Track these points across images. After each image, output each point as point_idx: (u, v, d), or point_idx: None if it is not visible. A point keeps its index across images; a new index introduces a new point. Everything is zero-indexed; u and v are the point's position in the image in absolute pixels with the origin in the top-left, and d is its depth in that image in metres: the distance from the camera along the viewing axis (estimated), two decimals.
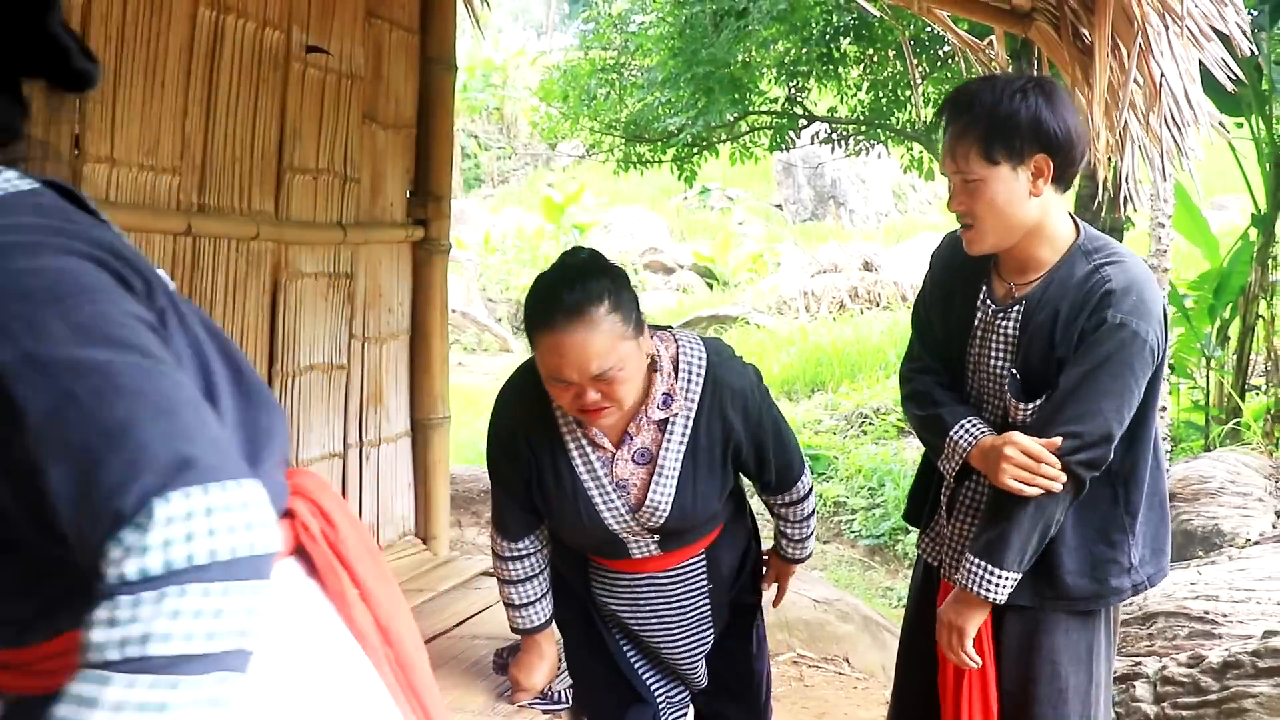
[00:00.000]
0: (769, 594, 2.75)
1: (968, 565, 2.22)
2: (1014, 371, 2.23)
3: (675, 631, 2.51)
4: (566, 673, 2.74)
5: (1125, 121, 3.20)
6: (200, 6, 3.10)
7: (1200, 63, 3.11)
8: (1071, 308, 2.14)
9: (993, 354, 2.28)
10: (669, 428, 2.29)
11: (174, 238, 3.08)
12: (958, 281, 2.39)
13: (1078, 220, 2.31)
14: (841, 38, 8.92)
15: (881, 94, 9.41)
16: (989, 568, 2.19)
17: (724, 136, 9.89)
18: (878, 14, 5.73)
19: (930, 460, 2.47)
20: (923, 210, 20.01)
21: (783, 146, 10.07)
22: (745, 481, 2.59)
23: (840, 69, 9.25)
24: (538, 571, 2.50)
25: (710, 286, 16.54)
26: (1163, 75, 2.91)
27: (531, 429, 2.33)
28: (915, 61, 9.35)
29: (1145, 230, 10.77)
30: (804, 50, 8.91)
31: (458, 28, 4.25)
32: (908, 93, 9.42)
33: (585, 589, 2.54)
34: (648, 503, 2.30)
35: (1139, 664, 3.73)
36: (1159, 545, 2.33)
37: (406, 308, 4.11)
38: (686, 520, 2.35)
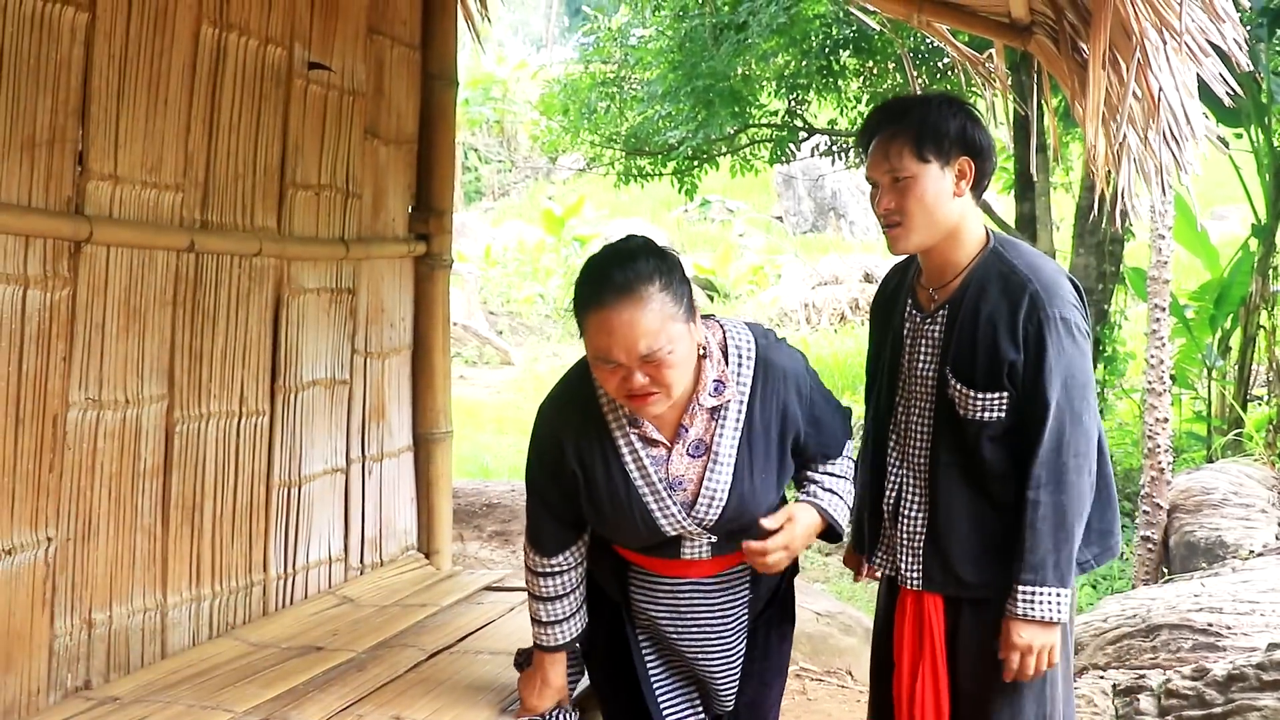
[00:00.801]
0: (770, 523, 2.35)
1: (1025, 593, 2.28)
2: (946, 372, 2.39)
3: (714, 641, 2.45)
4: (573, 701, 2.71)
5: (1124, 135, 3.21)
6: (203, 24, 3.11)
7: (1199, 76, 3.12)
8: (1008, 311, 2.32)
9: (921, 358, 2.46)
10: (722, 415, 2.26)
11: (177, 254, 3.09)
12: (891, 304, 2.62)
13: (988, 228, 2.48)
14: (841, 50, 8.95)
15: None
16: (1054, 591, 2.29)
17: (724, 149, 9.91)
18: (877, 27, 5.74)
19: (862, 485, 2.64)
20: None
21: (783, 159, 10.10)
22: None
23: (840, 81, 9.27)
24: (570, 590, 2.46)
25: (711, 298, 16.56)
26: (1160, 90, 2.92)
27: (580, 434, 2.29)
28: (915, 74, 9.37)
29: (1145, 241, 10.80)
30: (804, 63, 8.94)
31: (458, 42, 4.25)
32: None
33: (623, 595, 2.49)
34: (702, 494, 2.26)
35: (1143, 676, 3.73)
36: (1105, 526, 2.47)
37: (409, 323, 4.12)
38: (744, 512, 2.28)
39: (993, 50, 4.30)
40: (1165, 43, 2.78)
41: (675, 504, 2.27)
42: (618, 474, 2.27)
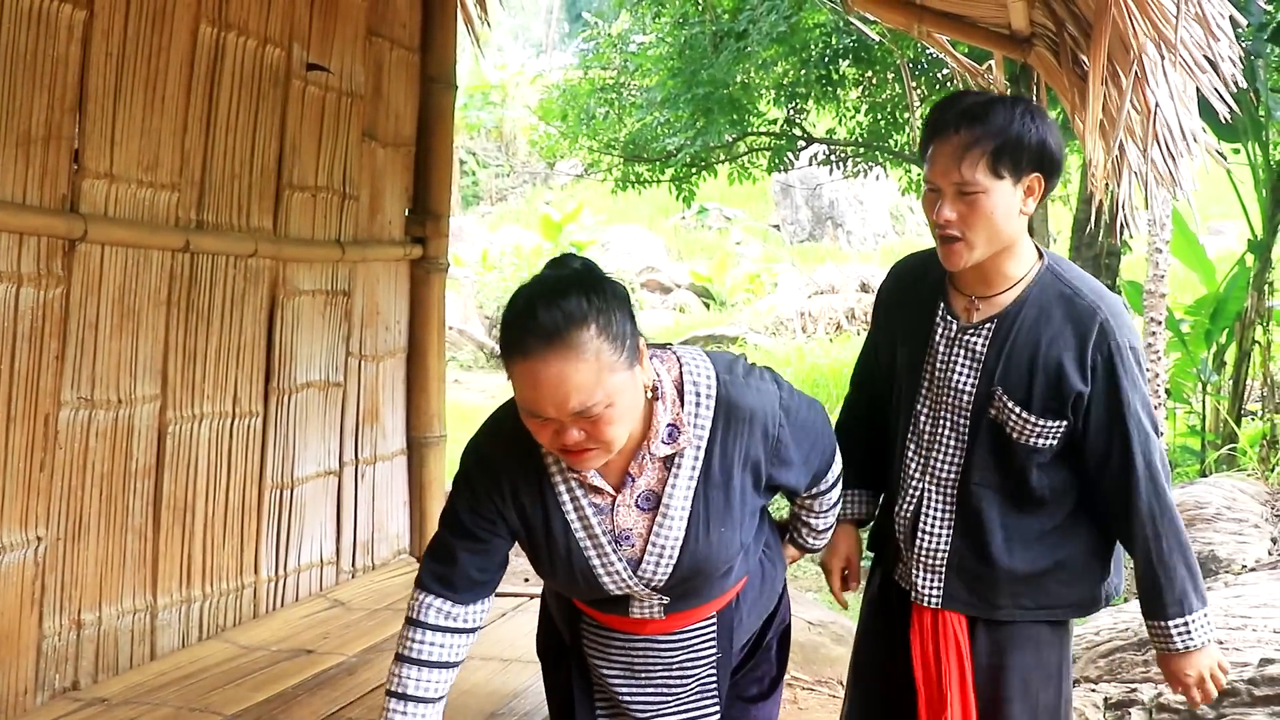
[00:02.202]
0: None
1: (1178, 627, 2.23)
2: (995, 391, 2.24)
3: (674, 707, 2.14)
4: None
5: (1121, 148, 3.21)
6: (201, 23, 3.11)
7: (1198, 91, 3.12)
8: (1076, 340, 2.19)
9: (958, 371, 2.30)
10: (676, 465, 1.94)
11: (172, 254, 3.08)
12: (914, 302, 2.41)
13: (1034, 242, 2.34)
14: (840, 60, 8.95)
15: (880, 116, 9.45)
16: (1202, 613, 2.23)
17: (722, 157, 9.91)
18: (877, 38, 5.74)
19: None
20: (920, 232, 20.04)
21: (781, 167, 10.09)
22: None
23: (839, 91, 9.28)
24: (453, 660, 2.00)
25: (707, 306, 16.55)
26: (1157, 104, 2.91)
27: (518, 475, 1.95)
28: (914, 85, 9.38)
29: (1142, 255, 10.80)
30: (803, 72, 8.95)
31: (458, 46, 4.25)
32: (906, 115, 9.44)
33: (575, 645, 2.18)
34: (649, 551, 1.95)
35: (1134, 690, 3.71)
36: (1118, 556, 2.41)
37: (404, 326, 4.11)
38: (699, 571, 1.98)
39: (992, 61, 4.30)
40: (1163, 56, 2.78)
41: (620, 560, 1.95)
42: (557, 522, 1.95)
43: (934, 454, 2.33)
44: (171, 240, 3.06)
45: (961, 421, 2.30)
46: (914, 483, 2.35)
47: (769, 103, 9.78)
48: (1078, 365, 2.17)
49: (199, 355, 3.20)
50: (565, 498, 1.94)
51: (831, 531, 2.34)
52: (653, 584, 1.97)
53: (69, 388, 2.82)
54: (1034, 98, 4.32)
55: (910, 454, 2.36)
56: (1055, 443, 2.23)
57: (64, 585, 2.85)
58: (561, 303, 1.72)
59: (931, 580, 2.33)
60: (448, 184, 4.22)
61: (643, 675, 2.12)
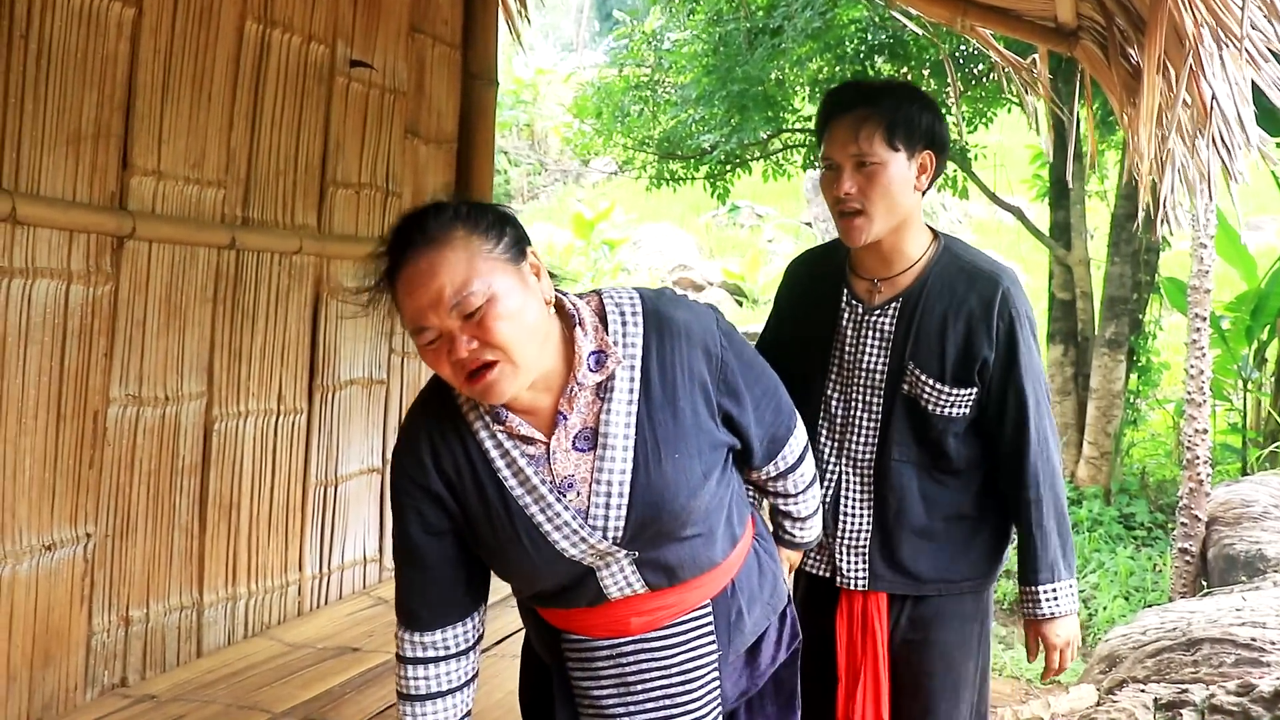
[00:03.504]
0: None
1: (1047, 593, 2.30)
2: (907, 366, 2.31)
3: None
4: None
5: (1171, 143, 3.16)
6: (247, 20, 3.11)
7: (1253, 82, 3.07)
8: (981, 307, 2.27)
9: (868, 352, 2.36)
10: (609, 392, 1.74)
11: (218, 251, 3.09)
12: (815, 292, 2.48)
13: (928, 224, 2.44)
14: (876, 55, 8.89)
15: None
16: (1069, 583, 2.31)
17: (757, 154, 9.86)
18: (919, 30, 5.69)
19: None
20: (953, 229, 19.92)
21: (815, 164, 10.04)
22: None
23: None
24: (449, 688, 1.85)
25: (739, 304, 16.50)
26: (1214, 97, 2.87)
27: (440, 439, 1.77)
28: (949, 80, 9.31)
29: (1182, 250, 10.68)
30: (838, 68, 8.89)
31: (499, 42, 4.24)
32: (942, 111, 9.36)
33: (562, 676, 1.93)
34: (595, 493, 1.73)
35: (1185, 691, 3.66)
36: None
37: None
38: (662, 508, 1.75)
39: (1036, 55, 4.26)
40: (1222, 48, 2.73)
41: (569, 513, 1.73)
42: (489, 483, 1.75)
43: (848, 436, 2.38)
44: (218, 237, 3.06)
45: (875, 401, 2.36)
46: (830, 467, 2.40)
47: (804, 99, 9.72)
48: (984, 331, 2.25)
49: (244, 353, 3.21)
50: (494, 454, 1.74)
51: (817, 522, 2.17)
52: (610, 534, 1.73)
53: (117, 385, 2.83)
54: (1078, 92, 4.28)
55: (823, 439, 2.41)
56: (968, 410, 2.30)
57: (112, 582, 2.86)
58: (421, 216, 1.64)
59: (856, 562, 2.38)
60: (489, 181, 4.22)
61: (639, 690, 1.87)
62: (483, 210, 1.67)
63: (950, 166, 9.71)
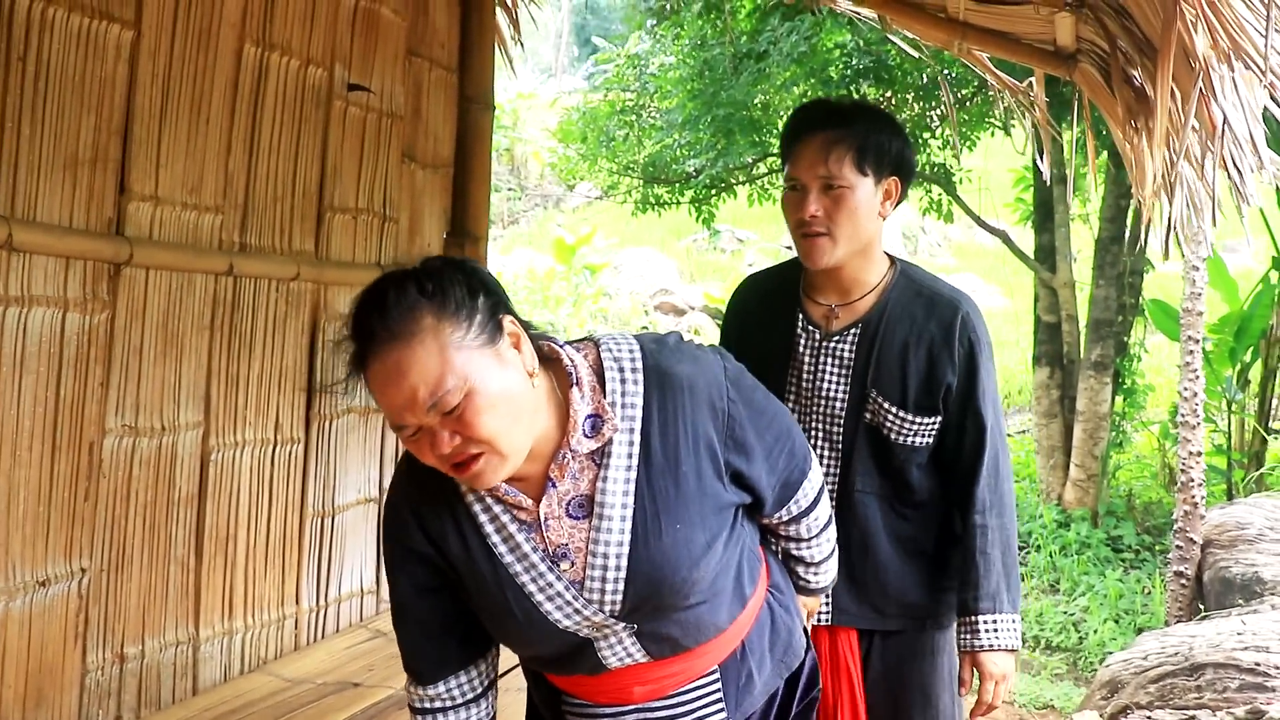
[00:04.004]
0: None
1: (987, 623, 2.27)
2: (870, 394, 2.28)
3: None
4: None
5: (1180, 166, 3.15)
6: (246, 43, 3.06)
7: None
8: (941, 333, 2.25)
9: (827, 379, 2.32)
10: (606, 458, 1.63)
11: (215, 278, 3.03)
12: (769, 317, 2.44)
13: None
14: (861, 80, 8.91)
15: None
16: (1011, 618, 2.28)
17: (742, 178, 9.87)
18: (915, 53, 5.69)
19: None
20: (933, 252, 20.02)
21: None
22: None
23: None
24: None
25: (720, 327, 16.50)
26: (1225, 119, 2.86)
27: (429, 504, 1.68)
28: (933, 104, 9.34)
29: (1165, 272, 10.74)
30: (822, 92, 8.90)
31: (495, 66, 4.20)
32: (926, 135, 9.40)
33: None
34: (590, 565, 1.62)
35: (1192, 718, 3.63)
36: None
37: None
38: (662, 582, 1.63)
39: (1033, 79, 4.25)
40: (1233, 70, 2.72)
41: (561, 583, 1.63)
42: (478, 549, 1.66)
43: None
44: (215, 264, 3.00)
45: (835, 430, 2.32)
46: None
47: None
48: (947, 357, 2.24)
49: (241, 381, 3.14)
50: (484, 519, 1.65)
51: (831, 566, 2.04)
52: (607, 607, 1.64)
53: (113, 415, 2.76)
54: (1075, 115, 4.28)
55: None
56: (930, 440, 2.28)
57: (107, 618, 2.78)
58: (382, 299, 1.52)
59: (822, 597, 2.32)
60: (486, 206, 4.17)
61: None
62: (450, 283, 1.54)
63: (935, 190, 9.73)
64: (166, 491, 2.93)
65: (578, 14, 32.03)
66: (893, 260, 2.35)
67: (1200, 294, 5.72)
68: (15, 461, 2.49)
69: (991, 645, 2.26)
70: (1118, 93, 3.43)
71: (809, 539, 1.93)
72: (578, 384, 1.63)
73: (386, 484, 3.74)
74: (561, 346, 1.67)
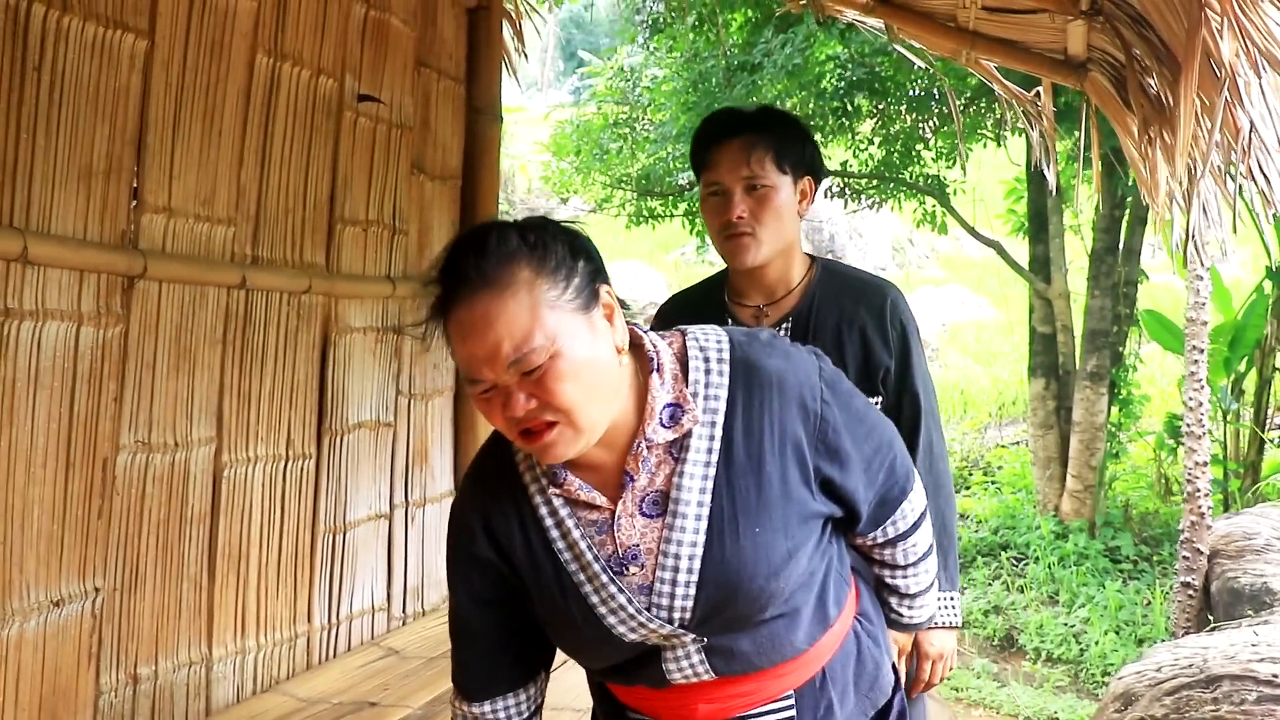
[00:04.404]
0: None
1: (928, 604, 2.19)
2: None
3: None
4: None
5: (1199, 174, 3.13)
6: (258, 53, 3.02)
7: None
8: (874, 318, 2.27)
9: None
10: (684, 451, 1.52)
11: (228, 291, 2.98)
12: (696, 324, 2.46)
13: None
14: (855, 91, 8.91)
15: (893, 148, 9.41)
16: (950, 595, 2.31)
17: None
18: (922, 63, 5.68)
19: None
20: (920, 264, 20.04)
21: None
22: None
23: (853, 124, 9.24)
24: None
25: None
26: (1251, 126, 2.84)
27: (493, 502, 1.59)
28: (925, 115, 9.35)
29: (1156, 283, 10.76)
30: (819, 104, 8.90)
31: (502, 77, 4.17)
32: (919, 146, 9.41)
33: None
34: (661, 567, 1.51)
35: None
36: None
37: (451, 363, 3.99)
38: (735, 591, 1.51)
39: (1040, 88, 4.24)
40: (1261, 76, 2.70)
41: (622, 591, 1.52)
42: (543, 554, 1.56)
43: None
44: (228, 276, 2.96)
45: None
46: None
47: None
48: (880, 340, 2.25)
49: (253, 396, 3.09)
50: (549, 522, 1.55)
51: (929, 601, 1.89)
52: (676, 615, 1.51)
53: (127, 431, 2.71)
54: (1083, 124, 4.27)
55: None
56: None
57: (120, 638, 2.72)
58: (483, 242, 1.43)
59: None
60: (494, 217, 4.13)
61: None
62: (552, 239, 1.45)
63: (929, 202, 9.74)
64: (179, 509, 2.87)
65: (563, 29, 32.05)
66: (813, 259, 2.38)
67: (1204, 303, 5.70)
68: (30, 479, 2.44)
69: (939, 622, 2.29)
70: (1134, 102, 3.41)
71: (905, 566, 1.78)
72: (659, 370, 1.53)
73: (397, 500, 3.70)
74: (645, 332, 1.58)
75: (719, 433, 1.51)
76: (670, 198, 9.80)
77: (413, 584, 3.77)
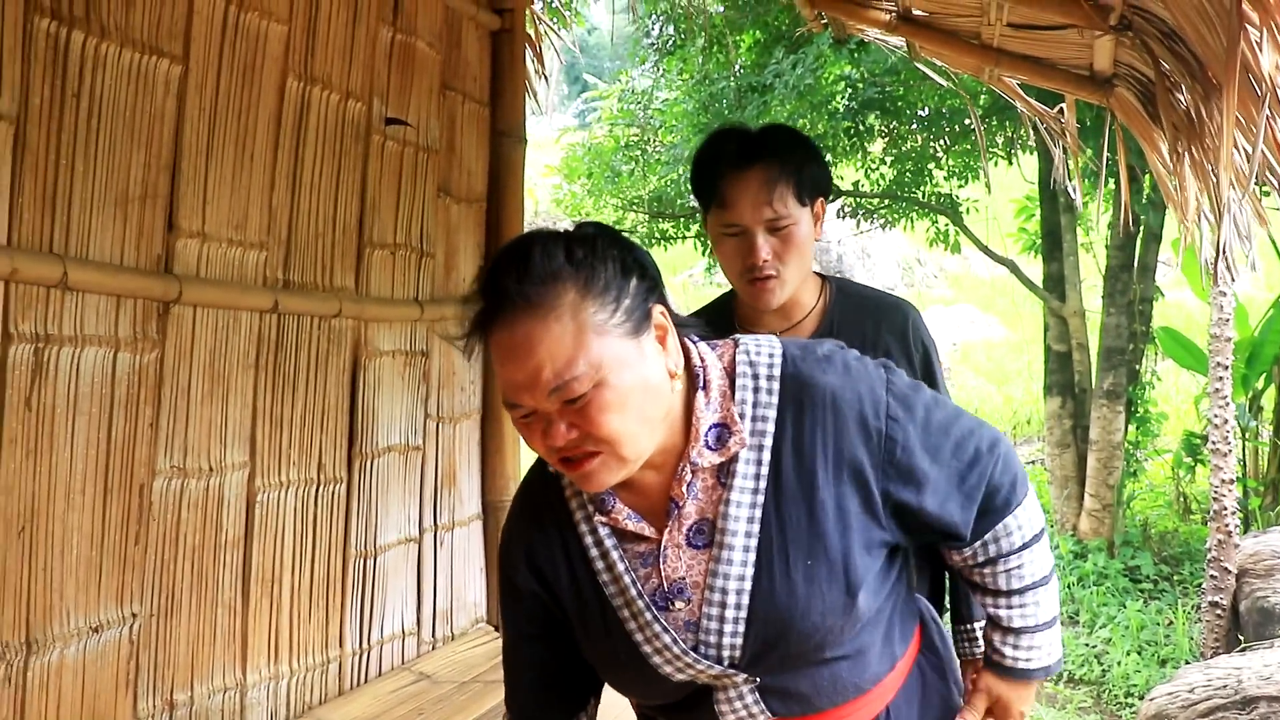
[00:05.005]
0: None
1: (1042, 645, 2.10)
2: None
3: None
4: None
5: (1243, 194, 3.12)
6: (289, 77, 3.02)
7: None
8: (896, 338, 2.17)
9: None
10: (730, 477, 1.42)
11: (260, 315, 2.97)
12: None
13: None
14: (866, 111, 8.93)
15: (905, 167, 9.42)
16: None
17: None
18: (943, 81, 5.68)
19: None
20: (929, 284, 20.04)
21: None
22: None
23: (864, 143, 9.26)
24: None
25: None
26: None
27: (539, 531, 1.52)
28: (936, 134, 9.35)
29: (1172, 300, 10.73)
30: (831, 124, 8.91)
31: (526, 99, 4.17)
32: (930, 165, 9.41)
33: None
34: (707, 602, 1.41)
35: None
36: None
37: (478, 386, 3.98)
38: (788, 629, 1.40)
39: (1064, 105, 4.23)
40: None
41: (667, 630, 1.43)
42: (588, 587, 1.48)
43: None
44: (260, 301, 2.95)
45: None
46: None
47: None
48: (905, 363, 2.14)
49: (285, 420, 3.08)
50: (595, 554, 1.47)
51: (1044, 642, 1.62)
52: (726, 654, 1.42)
53: (163, 456, 2.69)
54: (1106, 141, 4.26)
55: None
56: None
57: (157, 664, 2.70)
58: (526, 258, 1.32)
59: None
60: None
61: None
62: (603, 255, 1.34)
63: (941, 221, 9.73)
64: (214, 534, 2.86)
65: (567, 53, 32.10)
66: (823, 278, 2.26)
67: (1228, 319, 5.68)
68: (69, 505, 2.42)
69: (1019, 668, 2.22)
70: (1164, 118, 3.40)
71: (1008, 593, 1.57)
72: (705, 387, 1.43)
73: (426, 523, 3.68)
74: (696, 343, 1.48)
75: (768, 456, 1.41)
76: (682, 219, 9.81)
77: (442, 608, 3.75)
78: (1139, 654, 7.53)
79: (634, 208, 10.12)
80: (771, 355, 1.46)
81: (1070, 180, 4.45)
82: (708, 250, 10.00)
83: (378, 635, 3.45)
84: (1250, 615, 5.45)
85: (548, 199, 14.00)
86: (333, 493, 3.26)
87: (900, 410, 1.44)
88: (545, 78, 4.64)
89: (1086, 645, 7.75)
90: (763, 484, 1.41)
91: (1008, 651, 1.60)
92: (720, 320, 2.26)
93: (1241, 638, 5.59)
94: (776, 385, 1.43)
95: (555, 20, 4.98)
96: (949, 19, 3.78)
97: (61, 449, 2.40)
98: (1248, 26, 2.62)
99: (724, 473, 1.42)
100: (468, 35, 3.87)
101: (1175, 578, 8.50)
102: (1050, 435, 9.18)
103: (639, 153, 10.06)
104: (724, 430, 1.42)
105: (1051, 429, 9.12)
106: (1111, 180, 7.58)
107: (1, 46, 2.22)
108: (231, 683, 2.92)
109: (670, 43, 9.62)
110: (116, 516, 2.55)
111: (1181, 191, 3.51)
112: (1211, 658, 5.14)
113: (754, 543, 1.40)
